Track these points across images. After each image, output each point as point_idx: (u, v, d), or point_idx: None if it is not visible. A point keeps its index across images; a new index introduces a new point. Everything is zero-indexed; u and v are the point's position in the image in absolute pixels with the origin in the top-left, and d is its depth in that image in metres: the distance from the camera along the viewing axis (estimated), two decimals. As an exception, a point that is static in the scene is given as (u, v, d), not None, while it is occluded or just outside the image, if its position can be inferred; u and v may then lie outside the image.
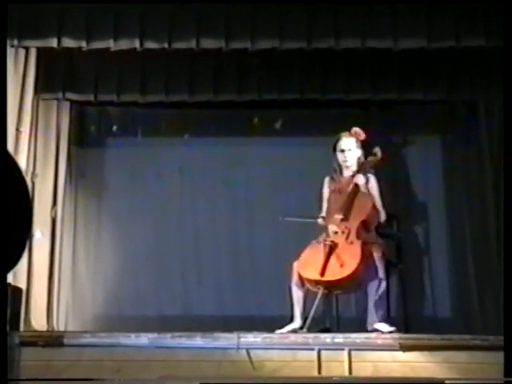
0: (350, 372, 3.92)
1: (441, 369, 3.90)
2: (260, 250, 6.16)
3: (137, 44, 5.26)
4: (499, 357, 3.69)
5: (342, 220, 4.88)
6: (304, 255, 4.85)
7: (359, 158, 5.19)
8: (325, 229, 4.97)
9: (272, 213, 6.14)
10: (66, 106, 6.06)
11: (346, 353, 3.97)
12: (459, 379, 3.79)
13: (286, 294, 5.98)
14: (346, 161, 5.19)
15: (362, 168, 5.13)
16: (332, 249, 4.71)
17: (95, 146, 6.36)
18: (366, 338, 4.13)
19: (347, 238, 4.81)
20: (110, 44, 5.27)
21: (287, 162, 6.24)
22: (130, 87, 5.92)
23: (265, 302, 5.88)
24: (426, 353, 3.98)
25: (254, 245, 6.17)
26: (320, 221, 5.14)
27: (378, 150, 5.19)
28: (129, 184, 6.25)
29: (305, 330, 4.51)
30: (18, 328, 4.41)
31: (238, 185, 6.24)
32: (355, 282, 4.74)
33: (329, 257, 4.68)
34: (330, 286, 4.68)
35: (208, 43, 5.29)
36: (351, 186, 5.04)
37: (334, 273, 4.62)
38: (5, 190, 2.06)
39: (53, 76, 5.88)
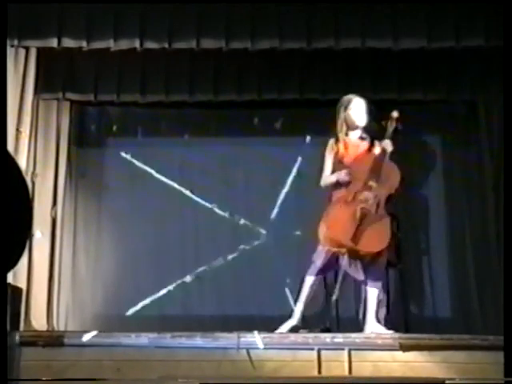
0: (350, 372, 3.92)
1: (441, 369, 3.90)
2: (260, 249, 6.16)
3: (137, 44, 5.27)
4: (499, 357, 3.69)
5: (371, 187, 4.73)
6: (334, 212, 4.73)
7: (368, 123, 5.00)
8: (349, 191, 4.78)
9: (272, 213, 6.17)
10: (66, 106, 6.06)
11: (346, 353, 3.97)
12: (459, 379, 3.79)
13: (285, 294, 6.01)
14: (357, 120, 4.99)
15: (386, 134, 4.92)
16: (363, 217, 4.61)
17: (95, 146, 6.36)
18: (366, 337, 4.14)
19: (377, 208, 4.69)
20: (110, 44, 5.27)
21: (287, 162, 6.24)
22: (130, 87, 5.92)
23: (265, 302, 5.88)
24: (425, 353, 3.97)
25: (254, 244, 6.17)
26: (325, 181, 4.97)
27: (395, 112, 4.98)
28: (129, 184, 6.25)
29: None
30: (17, 328, 4.41)
31: (238, 185, 6.24)
32: (380, 261, 4.68)
33: (360, 224, 4.59)
34: (355, 253, 4.63)
35: (208, 43, 5.29)
36: (377, 152, 4.87)
37: (366, 244, 4.57)
38: (5, 190, 2.06)
39: (53, 76, 5.88)
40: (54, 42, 5.27)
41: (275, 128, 6.31)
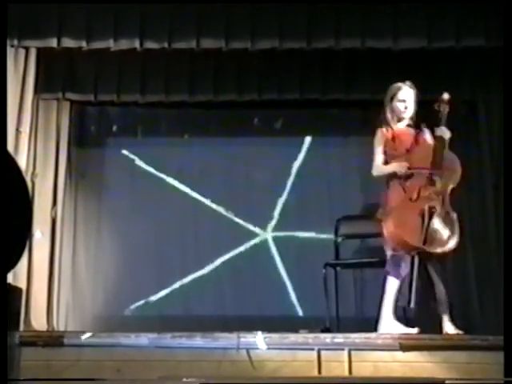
0: (350, 372, 3.92)
1: (441, 369, 3.89)
2: (260, 249, 6.17)
3: (137, 44, 5.27)
4: (499, 357, 3.68)
5: (433, 182, 4.43)
6: (401, 212, 4.41)
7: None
8: (413, 187, 4.45)
9: (272, 212, 6.17)
10: (66, 106, 6.06)
11: (346, 353, 3.96)
12: (459, 379, 3.79)
13: (285, 294, 6.02)
14: (404, 111, 4.67)
15: (442, 120, 4.59)
16: (431, 216, 4.33)
17: (95, 146, 6.36)
18: (366, 338, 4.12)
19: (443, 204, 4.38)
20: (110, 44, 5.27)
21: (287, 162, 6.25)
22: (130, 87, 5.92)
23: (265, 302, 5.88)
24: (425, 353, 3.97)
25: (254, 244, 6.18)
26: (379, 170, 4.62)
27: (446, 94, 4.66)
28: (129, 184, 6.25)
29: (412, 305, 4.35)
30: (17, 328, 4.40)
31: (238, 184, 6.24)
32: (446, 256, 4.44)
33: (429, 223, 4.30)
34: (427, 255, 4.37)
35: (208, 43, 5.30)
36: (433, 141, 4.57)
37: (437, 244, 4.30)
38: (5, 190, 2.06)
39: (53, 76, 5.88)
40: (53, 42, 5.27)
41: (275, 128, 6.32)
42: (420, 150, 4.58)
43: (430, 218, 4.31)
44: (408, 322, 4.59)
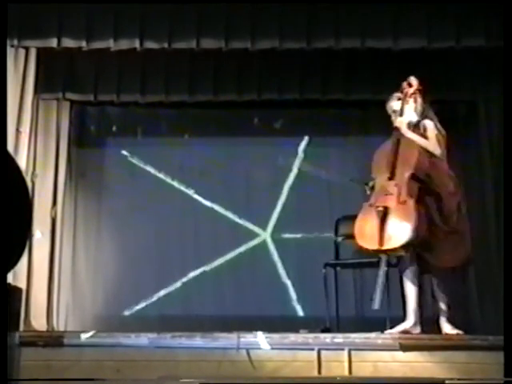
0: (350, 372, 3.92)
1: (441, 369, 3.89)
2: (260, 249, 6.17)
3: (137, 44, 5.27)
4: (499, 357, 3.68)
5: (390, 179, 4.43)
6: (359, 222, 4.46)
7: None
8: (375, 193, 4.52)
9: (272, 212, 6.17)
10: (66, 106, 6.06)
11: (346, 353, 3.96)
12: (459, 379, 3.79)
13: (285, 294, 6.02)
14: (394, 121, 4.62)
15: (400, 111, 4.58)
16: (385, 213, 4.34)
17: (95, 146, 6.36)
18: (366, 338, 4.12)
19: (398, 198, 4.34)
20: (110, 44, 5.27)
21: (287, 162, 6.25)
22: (130, 87, 5.92)
23: (265, 302, 5.88)
24: (425, 353, 3.97)
25: (254, 244, 6.18)
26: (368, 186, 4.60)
27: (404, 83, 4.64)
28: (129, 184, 6.25)
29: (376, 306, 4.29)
30: (17, 328, 4.40)
31: (238, 184, 6.25)
32: (415, 245, 4.36)
33: (383, 223, 4.31)
34: (390, 253, 4.39)
35: (208, 43, 5.29)
36: (393, 138, 4.52)
37: (392, 240, 4.29)
38: (5, 189, 2.06)
39: (53, 76, 5.88)
40: (53, 42, 5.27)
41: (275, 128, 6.32)
42: (382, 152, 4.56)
43: (385, 217, 4.31)
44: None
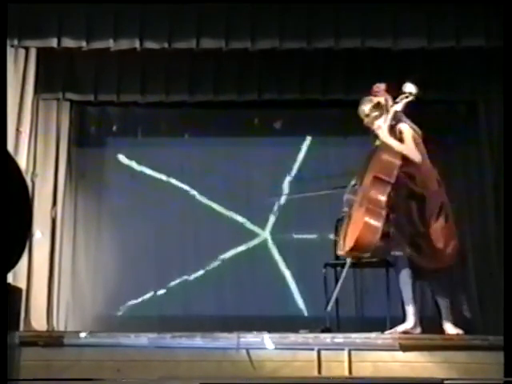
0: (350, 372, 3.92)
1: (441, 369, 3.89)
2: (260, 249, 6.17)
3: (137, 44, 5.27)
4: (499, 357, 3.68)
5: (355, 185, 4.59)
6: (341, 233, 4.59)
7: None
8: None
9: (272, 212, 6.16)
10: (66, 106, 6.06)
11: (346, 353, 3.96)
12: (459, 379, 3.79)
13: (285, 294, 6.02)
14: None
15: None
16: (349, 219, 4.48)
17: (95, 146, 6.36)
18: (366, 338, 4.12)
19: (360, 204, 4.43)
20: (110, 44, 5.27)
21: (287, 162, 6.25)
22: (130, 87, 5.92)
23: (265, 302, 5.88)
24: (426, 353, 3.97)
25: (254, 244, 6.18)
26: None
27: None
28: (129, 184, 6.25)
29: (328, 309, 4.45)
30: (17, 328, 4.40)
31: (238, 184, 6.24)
32: (363, 250, 4.41)
33: (347, 227, 4.46)
34: (352, 256, 4.50)
35: (208, 43, 5.30)
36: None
37: (348, 243, 4.40)
38: (5, 190, 2.06)
39: (53, 76, 5.88)
40: (53, 42, 5.27)
41: (275, 128, 6.32)
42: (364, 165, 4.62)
43: (348, 223, 4.45)
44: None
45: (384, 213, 4.33)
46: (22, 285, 5.15)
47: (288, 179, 6.24)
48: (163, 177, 6.26)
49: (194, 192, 6.24)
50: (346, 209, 4.56)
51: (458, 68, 5.86)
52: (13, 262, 2.18)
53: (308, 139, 6.32)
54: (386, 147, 4.43)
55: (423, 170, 4.47)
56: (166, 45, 5.29)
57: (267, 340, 4.02)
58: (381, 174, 4.35)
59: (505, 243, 4.06)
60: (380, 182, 4.35)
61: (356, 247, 4.33)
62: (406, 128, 4.49)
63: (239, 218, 6.21)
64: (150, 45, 5.30)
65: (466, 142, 6.02)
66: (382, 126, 4.47)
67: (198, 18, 5.27)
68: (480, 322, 5.52)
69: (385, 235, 4.36)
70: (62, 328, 5.62)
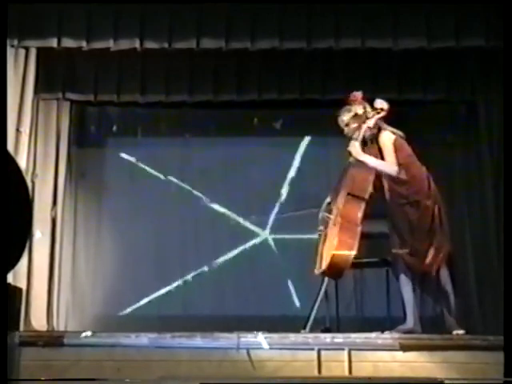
0: (350, 372, 3.92)
1: (441, 369, 3.89)
2: (260, 249, 6.17)
3: (137, 44, 5.27)
4: (499, 357, 3.69)
5: (330, 204, 4.66)
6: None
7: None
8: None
9: (272, 212, 6.17)
10: (66, 106, 6.05)
11: (346, 353, 3.96)
12: (459, 379, 3.79)
13: (285, 294, 6.02)
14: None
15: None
16: (325, 237, 4.57)
17: (95, 146, 6.36)
18: (366, 337, 4.13)
19: (334, 221, 4.47)
20: (110, 44, 5.27)
21: (287, 162, 6.25)
22: (130, 87, 5.92)
23: (265, 302, 5.88)
24: (425, 353, 3.97)
25: (254, 244, 6.18)
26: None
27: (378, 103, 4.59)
28: (129, 184, 6.25)
29: (307, 330, 4.52)
30: (17, 328, 4.41)
31: (238, 184, 6.25)
32: (341, 266, 4.45)
33: (323, 247, 4.56)
34: (328, 275, 4.59)
35: (208, 43, 5.29)
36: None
37: (323, 262, 4.50)
38: (5, 189, 2.06)
39: (53, 76, 5.88)
40: (53, 42, 5.27)
41: (275, 128, 6.32)
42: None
43: (324, 241, 4.53)
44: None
45: (359, 229, 4.37)
46: (22, 285, 5.14)
47: (288, 179, 6.24)
48: (163, 176, 6.26)
49: (193, 191, 6.24)
50: (321, 227, 4.62)
51: (458, 68, 5.86)
52: (13, 262, 2.18)
53: (308, 139, 6.32)
54: (359, 163, 4.44)
55: (415, 175, 4.47)
56: (166, 45, 5.29)
57: (262, 340, 4.02)
58: (354, 191, 4.41)
59: (505, 243, 4.07)
60: (354, 199, 4.41)
61: (332, 265, 4.38)
62: (387, 136, 4.50)
63: (239, 218, 6.21)
64: (150, 45, 5.30)
65: (466, 142, 6.01)
66: (354, 143, 4.47)
67: (197, 18, 5.27)
68: (480, 322, 5.53)
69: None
70: (62, 328, 5.62)
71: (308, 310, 5.93)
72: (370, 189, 4.41)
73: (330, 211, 4.59)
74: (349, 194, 4.40)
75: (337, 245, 4.35)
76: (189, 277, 6.09)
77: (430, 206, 4.42)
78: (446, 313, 4.43)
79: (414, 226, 4.40)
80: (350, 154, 4.50)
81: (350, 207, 4.40)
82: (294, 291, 6.05)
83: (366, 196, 4.40)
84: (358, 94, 4.61)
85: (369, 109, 4.56)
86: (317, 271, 4.61)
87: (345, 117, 4.63)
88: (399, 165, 4.44)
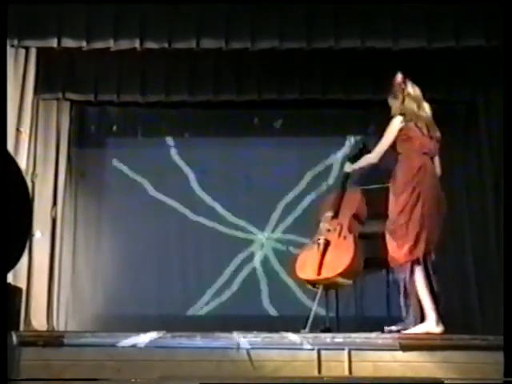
0: (350, 372, 3.92)
1: (440, 369, 3.89)
2: (260, 249, 6.17)
3: (137, 44, 5.27)
4: (499, 357, 3.68)
5: (333, 217, 4.89)
6: (300, 256, 4.87)
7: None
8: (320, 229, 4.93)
9: (272, 212, 6.17)
10: (66, 106, 6.06)
11: (345, 353, 3.96)
12: (459, 379, 3.79)
13: (285, 294, 6.01)
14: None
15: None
16: (326, 246, 4.74)
17: (95, 146, 6.36)
18: (366, 337, 4.12)
19: (340, 234, 4.80)
20: (110, 44, 5.27)
21: (287, 162, 6.25)
22: (130, 87, 5.93)
23: (265, 302, 5.88)
24: (425, 353, 3.96)
25: (254, 245, 6.18)
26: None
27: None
28: (129, 184, 6.25)
29: (307, 330, 4.53)
30: (18, 328, 4.41)
31: (238, 184, 6.25)
32: (351, 276, 4.77)
33: (323, 255, 4.71)
34: (328, 284, 4.72)
35: (208, 43, 5.29)
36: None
37: (329, 270, 4.66)
38: (5, 189, 2.06)
39: (53, 76, 5.88)
40: (53, 42, 5.27)
41: (275, 128, 6.32)
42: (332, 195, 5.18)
43: (325, 249, 4.71)
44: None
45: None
46: (22, 285, 5.14)
47: (288, 179, 6.24)
48: (163, 176, 6.26)
49: (193, 191, 6.24)
50: (321, 237, 4.78)
51: (458, 68, 5.86)
52: (13, 262, 2.18)
53: (308, 139, 6.32)
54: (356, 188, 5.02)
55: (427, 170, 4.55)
56: (166, 45, 5.29)
57: (257, 339, 4.03)
58: (358, 214, 4.93)
59: (505, 243, 4.06)
60: (358, 219, 4.92)
61: (345, 272, 4.65)
62: (395, 121, 4.60)
63: (239, 218, 6.21)
64: (150, 45, 5.30)
65: (466, 142, 6.02)
66: (348, 164, 4.97)
67: (197, 18, 5.27)
68: (480, 322, 5.53)
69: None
70: (62, 328, 5.62)
71: (308, 310, 5.97)
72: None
73: (330, 223, 4.88)
74: (354, 215, 4.90)
75: (353, 255, 4.67)
76: (189, 276, 6.09)
77: (405, 199, 4.46)
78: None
79: (391, 217, 4.51)
80: (346, 175, 4.99)
81: (355, 226, 4.87)
82: (294, 291, 6.05)
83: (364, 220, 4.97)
84: (397, 77, 4.74)
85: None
86: (312, 277, 4.71)
87: (389, 99, 4.77)
88: (398, 153, 4.54)
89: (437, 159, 4.66)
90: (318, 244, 4.76)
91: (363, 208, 4.96)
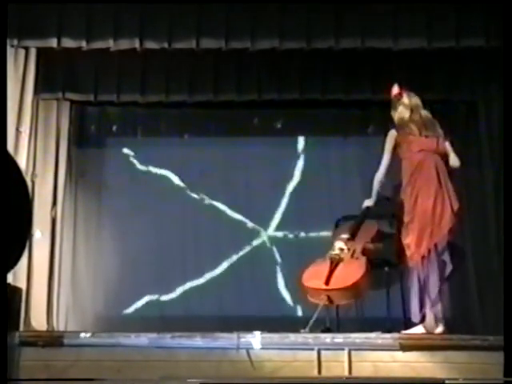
0: (350, 372, 3.92)
1: (441, 369, 3.90)
2: (260, 249, 6.17)
3: (137, 44, 5.27)
4: (499, 357, 3.69)
5: (349, 239, 4.95)
6: (310, 268, 4.89)
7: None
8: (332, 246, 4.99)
9: (272, 213, 6.17)
10: (66, 106, 6.06)
11: (346, 353, 3.96)
12: (459, 379, 3.79)
13: (285, 294, 6.01)
14: None
15: None
16: (337, 262, 4.79)
17: (95, 146, 6.36)
18: (366, 338, 4.13)
19: (353, 254, 4.87)
20: (110, 44, 5.28)
21: (287, 162, 6.25)
22: (130, 87, 5.92)
23: (265, 302, 5.88)
24: (425, 353, 3.97)
25: (254, 245, 6.18)
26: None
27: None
28: (129, 184, 6.25)
29: (307, 330, 4.53)
30: (18, 328, 4.41)
31: (238, 185, 6.25)
32: (357, 293, 4.80)
33: (334, 269, 4.75)
34: (332, 295, 4.71)
35: (208, 43, 5.30)
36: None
37: (338, 282, 4.68)
38: (5, 189, 2.06)
39: (53, 76, 5.88)
40: (53, 42, 5.27)
41: (275, 128, 6.32)
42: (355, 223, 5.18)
43: (335, 264, 4.79)
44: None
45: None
46: (22, 285, 5.14)
47: (288, 179, 6.24)
48: (163, 177, 6.26)
49: (193, 192, 6.24)
50: (335, 252, 4.86)
51: (458, 68, 5.86)
52: (13, 262, 2.18)
53: (308, 139, 6.32)
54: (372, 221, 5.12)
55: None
56: (165, 45, 5.29)
57: (257, 340, 4.02)
58: (373, 243, 5.03)
59: (505, 243, 4.06)
60: (371, 248, 5.00)
61: (353, 287, 4.71)
62: (389, 134, 4.84)
63: (239, 218, 6.21)
64: (150, 45, 5.31)
65: (466, 142, 6.01)
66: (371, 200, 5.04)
67: (198, 18, 5.27)
68: (480, 322, 5.53)
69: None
70: (62, 328, 5.62)
71: (308, 310, 5.96)
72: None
73: (346, 242, 4.95)
74: (367, 243, 4.99)
75: (363, 274, 4.72)
76: (189, 277, 6.08)
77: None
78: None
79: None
80: (367, 208, 5.07)
81: (368, 253, 4.93)
82: (294, 291, 6.04)
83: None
84: (394, 89, 4.90)
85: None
86: (318, 286, 4.72)
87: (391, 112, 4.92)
88: (401, 159, 4.77)
89: (450, 152, 4.82)
90: (331, 259, 4.80)
91: (377, 239, 5.05)
